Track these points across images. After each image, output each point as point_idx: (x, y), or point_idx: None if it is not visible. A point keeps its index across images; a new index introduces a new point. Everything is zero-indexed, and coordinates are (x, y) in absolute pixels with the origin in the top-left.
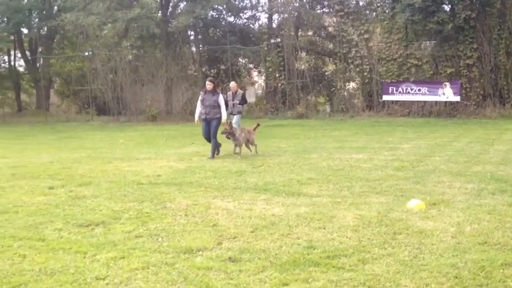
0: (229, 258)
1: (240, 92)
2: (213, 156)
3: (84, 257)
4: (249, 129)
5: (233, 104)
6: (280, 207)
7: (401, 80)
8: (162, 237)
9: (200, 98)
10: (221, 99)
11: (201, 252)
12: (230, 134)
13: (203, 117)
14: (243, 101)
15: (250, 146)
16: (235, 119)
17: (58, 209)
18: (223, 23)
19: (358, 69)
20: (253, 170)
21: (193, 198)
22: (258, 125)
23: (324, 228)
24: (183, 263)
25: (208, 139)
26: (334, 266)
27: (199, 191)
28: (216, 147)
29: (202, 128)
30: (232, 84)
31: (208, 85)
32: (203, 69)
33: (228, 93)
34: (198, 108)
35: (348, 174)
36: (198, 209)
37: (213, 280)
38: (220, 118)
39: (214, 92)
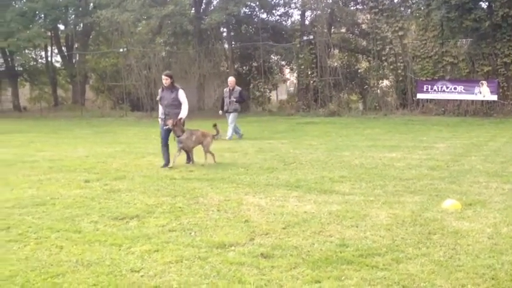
0: (262, 254)
1: (238, 88)
2: (166, 165)
3: (119, 250)
4: (205, 132)
5: (229, 101)
6: (312, 205)
7: (436, 78)
8: (194, 232)
9: (158, 97)
10: (181, 95)
11: (233, 248)
12: (174, 128)
13: (162, 117)
14: (241, 98)
15: (204, 153)
16: (230, 117)
17: (94, 202)
18: (255, 19)
19: (392, 66)
20: (285, 167)
21: (225, 194)
22: (215, 125)
23: (357, 227)
24: (215, 257)
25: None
26: (367, 265)
27: (231, 187)
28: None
29: (161, 131)
30: (230, 79)
31: (165, 80)
32: (235, 66)
33: (225, 89)
34: (160, 109)
35: (381, 173)
36: (230, 204)
37: (245, 275)
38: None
39: (172, 88)
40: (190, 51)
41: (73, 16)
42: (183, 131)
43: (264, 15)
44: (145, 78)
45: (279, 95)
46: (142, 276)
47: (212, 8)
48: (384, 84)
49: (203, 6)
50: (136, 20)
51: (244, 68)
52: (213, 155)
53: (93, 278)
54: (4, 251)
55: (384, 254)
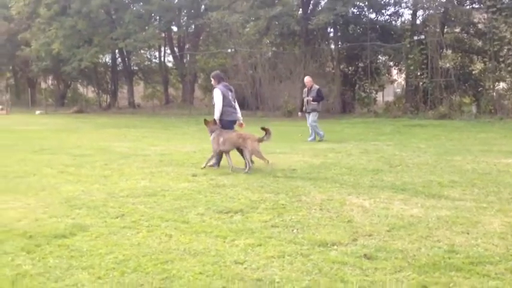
0: (365, 255)
1: (316, 87)
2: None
3: (224, 241)
4: (245, 135)
5: (307, 100)
6: (419, 208)
7: None
8: (297, 229)
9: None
10: (214, 95)
11: (335, 247)
12: (208, 126)
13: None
14: (319, 97)
15: (251, 157)
16: (310, 118)
17: (200, 195)
18: (364, 19)
19: (509, 68)
20: (390, 169)
21: (328, 193)
22: (265, 129)
23: (468, 233)
24: (317, 255)
25: None
26: (478, 273)
27: (334, 187)
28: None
29: None
30: (306, 79)
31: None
32: (341, 67)
33: (304, 89)
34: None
35: (495, 179)
36: (333, 204)
37: (347, 275)
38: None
39: (213, 89)
40: (296, 51)
41: (185, 18)
42: (212, 131)
43: (373, 15)
44: (251, 78)
45: (385, 96)
46: (245, 268)
47: (320, 8)
48: (501, 86)
49: (311, 6)
50: (244, 21)
51: (350, 68)
52: (263, 159)
53: (199, 266)
54: (119, 236)
55: (496, 262)
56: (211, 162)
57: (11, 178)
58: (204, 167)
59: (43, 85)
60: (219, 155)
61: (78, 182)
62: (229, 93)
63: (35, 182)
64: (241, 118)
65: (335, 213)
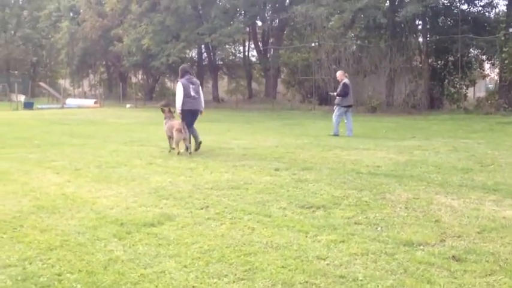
0: (453, 256)
1: (344, 81)
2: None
3: (306, 236)
4: (176, 125)
5: (332, 94)
6: None
7: None
8: (381, 227)
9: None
10: (177, 87)
11: (422, 247)
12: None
13: None
14: (341, 92)
15: (184, 142)
16: (334, 111)
17: (282, 190)
18: (455, 11)
19: None
20: (481, 168)
21: (414, 191)
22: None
23: None
24: (402, 254)
25: None
26: None
27: (420, 185)
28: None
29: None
30: (338, 73)
31: None
32: (429, 61)
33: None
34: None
35: None
36: (419, 203)
37: (434, 276)
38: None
39: None
40: (382, 45)
41: (270, 12)
42: (164, 119)
43: (465, 6)
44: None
45: (477, 92)
46: (327, 264)
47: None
48: None
49: None
50: (329, 15)
51: (439, 62)
52: (178, 148)
53: (281, 260)
54: (204, 227)
55: None
56: (181, 150)
57: (104, 168)
58: (171, 151)
59: (133, 79)
60: (188, 141)
61: (165, 173)
62: (191, 85)
63: (125, 172)
64: (202, 107)
65: (421, 213)
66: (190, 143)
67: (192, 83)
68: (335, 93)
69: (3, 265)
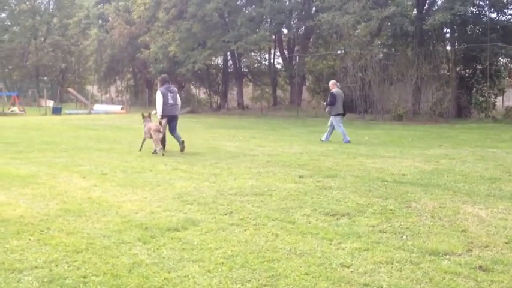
0: (480, 266)
1: (331, 91)
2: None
3: (330, 244)
4: (153, 126)
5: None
6: None
7: None
8: (406, 236)
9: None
10: (157, 95)
11: (448, 256)
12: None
13: None
14: (328, 101)
15: (157, 142)
16: (332, 122)
17: (306, 197)
18: (484, 19)
19: None
20: (510, 178)
21: (440, 200)
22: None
23: None
24: (428, 264)
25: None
26: None
27: (447, 194)
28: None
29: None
30: (330, 82)
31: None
32: (457, 69)
33: None
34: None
35: None
36: (446, 212)
37: (461, 286)
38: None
39: None
40: (409, 53)
41: (296, 20)
42: (143, 122)
43: (494, 15)
44: (361, 80)
45: (506, 101)
46: (351, 272)
47: (436, 7)
48: None
49: (426, 6)
50: (355, 22)
51: (467, 71)
52: (157, 145)
53: (305, 267)
54: (227, 232)
55: None
56: (157, 148)
57: (130, 173)
58: (140, 149)
59: None
60: (162, 142)
61: (190, 178)
62: (169, 93)
63: (151, 177)
64: (178, 112)
65: (448, 222)
66: (165, 145)
67: (170, 91)
68: (325, 103)
69: (30, 267)
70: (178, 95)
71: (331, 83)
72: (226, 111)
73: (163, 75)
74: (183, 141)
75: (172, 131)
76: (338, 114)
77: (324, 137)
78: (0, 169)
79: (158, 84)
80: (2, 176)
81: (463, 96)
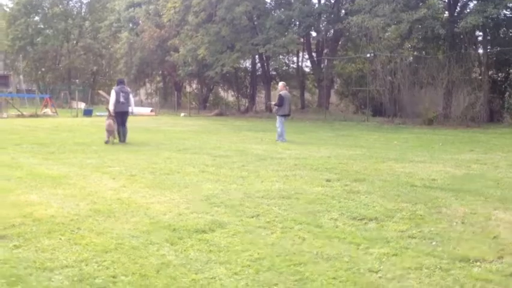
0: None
1: (280, 92)
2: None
3: (358, 249)
4: (110, 120)
5: (272, 104)
6: None
7: None
8: (436, 242)
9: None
10: (111, 94)
11: (479, 263)
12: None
13: None
14: (276, 102)
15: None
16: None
17: (334, 201)
18: None
19: None
20: None
21: (471, 206)
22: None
23: None
24: (458, 270)
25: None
26: None
27: (478, 200)
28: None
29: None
30: (279, 84)
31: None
32: (489, 73)
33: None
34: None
35: None
36: (477, 218)
37: None
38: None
39: None
40: (440, 56)
41: (325, 23)
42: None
43: None
44: (390, 84)
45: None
46: (380, 277)
47: (468, 10)
48: None
49: (458, 9)
50: (385, 25)
51: (499, 74)
52: (113, 136)
53: (332, 271)
54: (254, 235)
55: None
56: (107, 138)
57: (158, 175)
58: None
59: (188, 89)
60: (113, 132)
61: (217, 181)
62: (121, 93)
63: (179, 179)
64: (130, 110)
65: (479, 228)
66: (117, 136)
67: (123, 91)
68: (273, 103)
69: (61, 266)
70: (131, 95)
71: (280, 84)
72: (254, 114)
73: (119, 78)
74: (124, 136)
75: (121, 125)
76: (284, 115)
77: (277, 138)
78: (33, 170)
79: (116, 85)
80: (35, 177)
81: (496, 100)
